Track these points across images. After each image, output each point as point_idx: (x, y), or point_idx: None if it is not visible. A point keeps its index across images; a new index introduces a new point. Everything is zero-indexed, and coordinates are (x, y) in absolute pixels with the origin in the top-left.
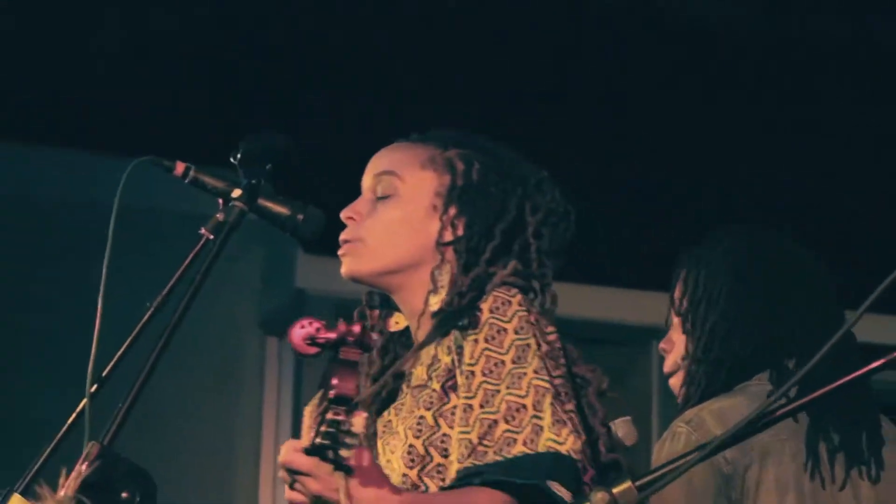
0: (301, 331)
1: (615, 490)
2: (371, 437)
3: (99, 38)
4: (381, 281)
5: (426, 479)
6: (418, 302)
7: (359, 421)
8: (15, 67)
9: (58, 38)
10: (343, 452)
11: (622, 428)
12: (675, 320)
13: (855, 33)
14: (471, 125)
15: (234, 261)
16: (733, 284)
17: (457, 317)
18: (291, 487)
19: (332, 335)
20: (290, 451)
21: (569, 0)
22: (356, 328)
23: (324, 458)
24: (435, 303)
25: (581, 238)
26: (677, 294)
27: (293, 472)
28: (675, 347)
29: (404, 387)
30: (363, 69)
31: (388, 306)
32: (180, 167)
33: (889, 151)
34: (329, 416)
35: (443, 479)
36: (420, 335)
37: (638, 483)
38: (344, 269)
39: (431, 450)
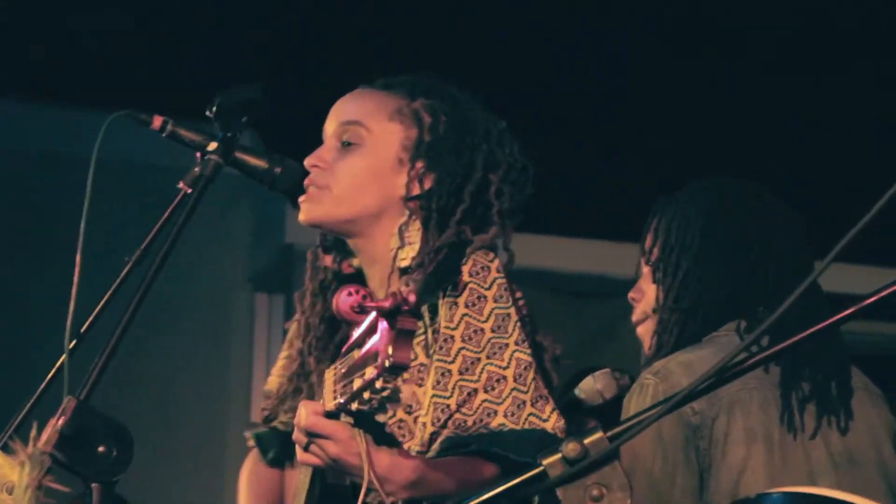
0: (349, 298)
1: (586, 441)
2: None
3: None
4: (341, 228)
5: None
6: (376, 249)
7: (408, 389)
8: None
9: None
10: (380, 418)
11: (601, 380)
12: (646, 269)
13: None
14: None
15: (223, 218)
16: (704, 232)
17: (442, 281)
18: (306, 450)
19: (386, 304)
20: (312, 415)
21: None
22: (411, 297)
23: (354, 423)
24: (404, 258)
25: (570, 192)
26: (648, 243)
27: (312, 435)
28: (644, 297)
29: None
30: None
31: (340, 250)
32: (157, 121)
33: (860, 102)
34: (379, 383)
35: (403, 435)
36: (384, 284)
37: (609, 434)
38: (303, 215)
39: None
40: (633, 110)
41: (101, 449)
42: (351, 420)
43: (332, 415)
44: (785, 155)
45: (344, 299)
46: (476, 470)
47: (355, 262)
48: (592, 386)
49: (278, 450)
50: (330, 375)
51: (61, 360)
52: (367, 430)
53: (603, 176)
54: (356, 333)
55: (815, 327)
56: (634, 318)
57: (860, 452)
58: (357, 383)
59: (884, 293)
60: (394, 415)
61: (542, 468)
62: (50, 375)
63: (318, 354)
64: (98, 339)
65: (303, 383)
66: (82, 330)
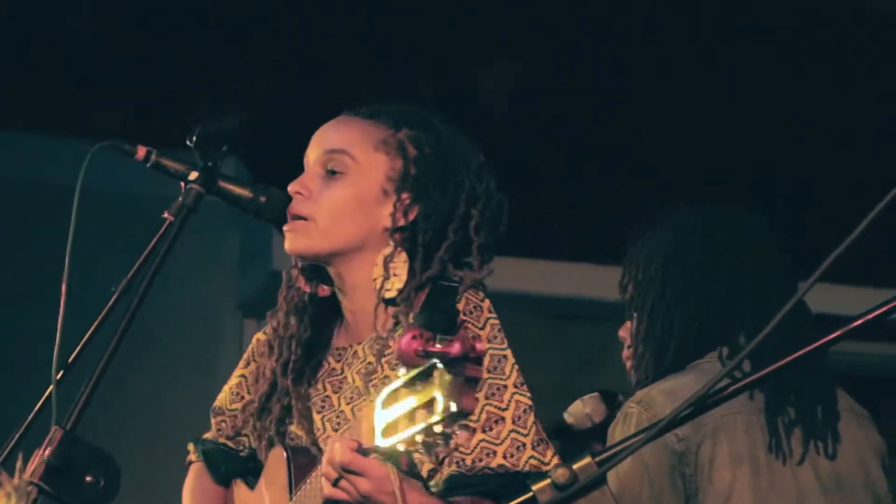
0: (413, 342)
1: (575, 466)
2: (305, 409)
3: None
4: (324, 260)
5: None
6: (357, 279)
7: (464, 436)
8: None
9: (17, 23)
10: (421, 458)
11: (590, 404)
12: None
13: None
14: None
15: (211, 244)
16: (667, 265)
17: (440, 321)
18: (335, 484)
19: (453, 350)
20: (348, 452)
21: None
22: (479, 346)
23: (396, 463)
24: (389, 289)
25: (555, 215)
26: (622, 279)
27: (346, 471)
28: (629, 333)
29: (332, 360)
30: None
31: (317, 275)
32: (141, 151)
33: (844, 119)
34: (438, 427)
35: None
36: (364, 313)
37: (597, 459)
38: (288, 246)
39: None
40: (619, 132)
41: (88, 479)
42: (383, 457)
43: (363, 451)
44: (772, 175)
45: (408, 342)
46: None
47: (328, 287)
48: (581, 410)
49: (229, 467)
50: (370, 411)
51: (49, 390)
52: (399, 469)
53: (588, 199)
54: (402, 372)
55: (797, 353)
56: (624, 355)
57: (848, 475)
58: (404, 424)
59: (871, 316)
60: (440, 460)
61: (531, 494)
62: (38, 406)
63: (295, 377)
64: (85, 368)
65: (274, 404)
66: (69, 360)
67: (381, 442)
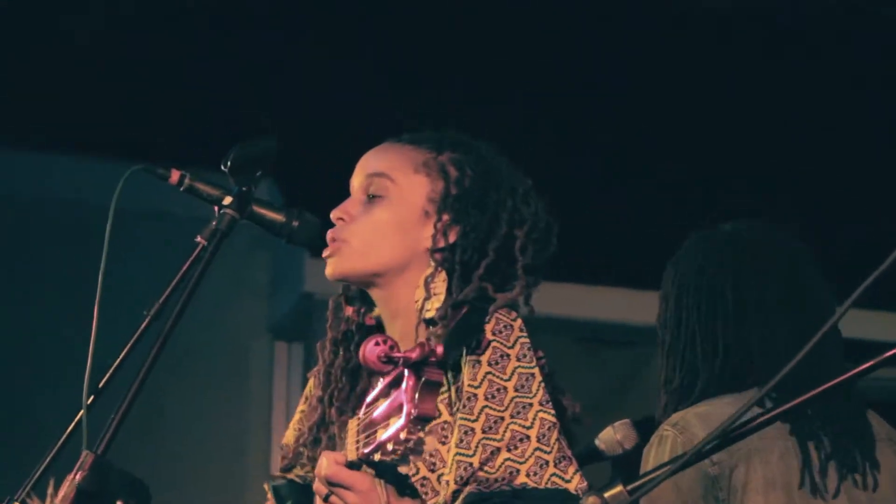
0: (375, 348)
1: (606, 494)
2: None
3: (83, 40)
4: (365, 282)
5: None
6: (400, 302)
7: (431, 440)
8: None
9: (42, 40)
10: (402, 469)
11: (621, 431)
12: None
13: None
14: (462, 121)
15: (243, 267)
16: (678, 306)
17: (464, 339)
18: (325, 500)
19: (414, 354)
20: (333, 464)
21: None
22: (439, 349)
23: (378, 474)
24: (430, 309)
25: (593, 240)
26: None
27: (333, 485)
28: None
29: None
30: (353, 69)
31: (364, 301)
32: (175, 175)
33: (876, 143)
34: (403, 434)
35: (426, 493)
36: (406, 336)
37: (629, 487)
38: (328, 270)
39: (419, 463)
40: (659, 158)
41: (118, 503)
42: (373, 471)
43: (354, 465)
44: (810, 198)
45: (371, 349)
46: None
47: (376, 312)
48: (612, 436)
49: (295, 501)
50: (353, 425)
51: (80, 414)
52: (389, 482)
53: (626, 224)
54: (380, 384)
55: (831, 382)
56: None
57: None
58: (381, 434)
59: None
60: (417, 471)
61: None
62: (69, 430)
63: (340, 405)
64: (117, 392)
65: (322, 434)
66: (100, 384)
67: (363, 454)
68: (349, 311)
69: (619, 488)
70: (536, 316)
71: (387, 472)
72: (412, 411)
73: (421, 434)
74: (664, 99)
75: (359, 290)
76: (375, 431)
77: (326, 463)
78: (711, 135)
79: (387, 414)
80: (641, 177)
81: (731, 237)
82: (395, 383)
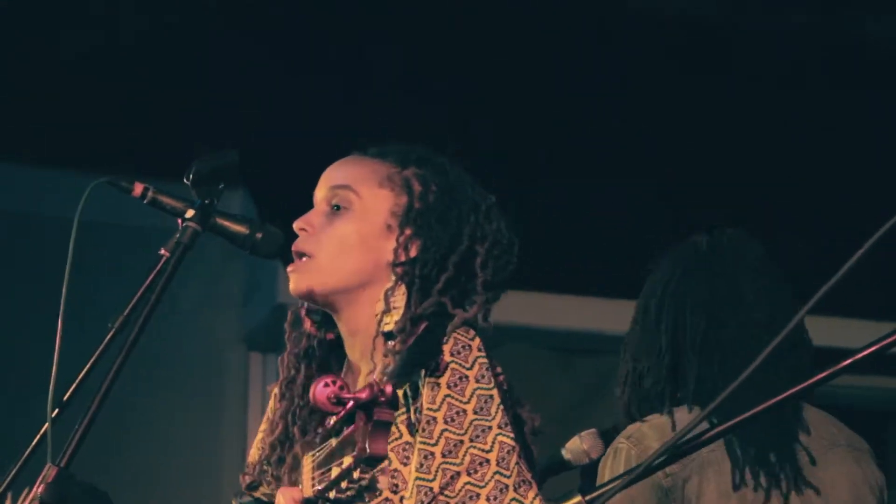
0: (325, 389)
1: None
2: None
3: (54, 51)
4: (328, 298)
5: None
6: (361, 320)
7: (385, 480)
8: None
9: (15, 51)
10: None
11: (587, 440)
12: None
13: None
14: (419, 136)
15: (216, 276)
16: (645, 319)
17: (422, 359)
18: None
19: (363, 395)
20: (290, 502)
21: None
22: (388, 388)
23: None
24: (388, 323)
25: (560, 249)
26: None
27: None
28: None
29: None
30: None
31: (324, 317)
32: (138, 188)
33: (847, 144)
34: (356, 473)
35: None
36: (373, 356)
37: (587, 498)
38: (292, 286)
39: (379, 487)
40: (628, 166)
41: None
42: None
43: (310, 502)
44: (775, 203)
45: (321, 390)
46: None
47: (337, 329)
48: (579, 446)
49: None
50: (308, 462)
51: (44, 428)
52: None
53: (594, 232)
54: (332, 421)
55: (787, 392)
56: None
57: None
58: (335, 472)
59: (871, 349)
60: (380, 493)
61: None
62: (33, 443)
63: (302, 425)
64: (82, 404)
65: (286, 453)
66: (65, 397)
67: (317, 491)
68: (308, 324)
69: (577, 499)
70: (508, 325)
71: None
72: (363, 451)
73: (372, 472)
74: (639, 108)
75: (321, 311)
76: (330, 469)
77: (283, 500)
78: (685, 145)
79: (339, 451)
80: (615, 187)
81: (698, 252)
82: (347, 420)
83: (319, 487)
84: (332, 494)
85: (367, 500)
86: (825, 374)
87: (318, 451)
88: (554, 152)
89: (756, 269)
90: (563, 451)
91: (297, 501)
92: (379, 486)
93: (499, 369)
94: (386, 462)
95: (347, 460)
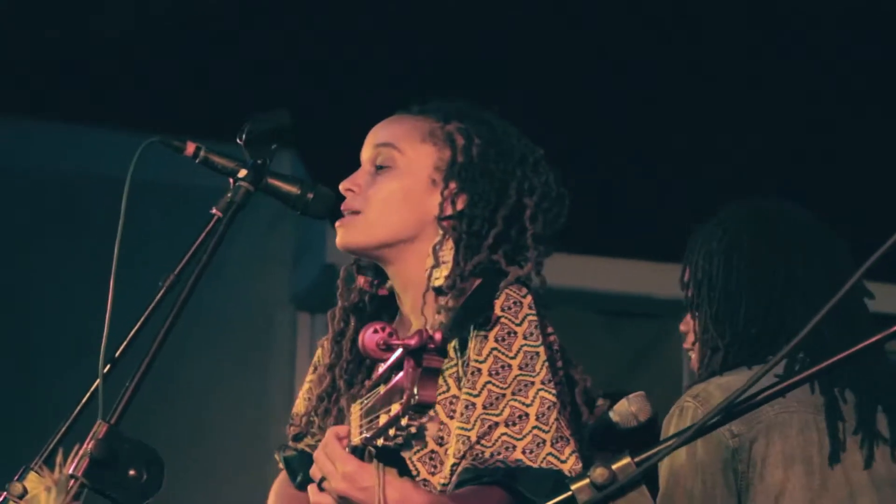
0: (374, 335)
1: (615, 466)
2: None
3: (107, 13)
4: (377, 253)
5: (418, 464)
6: (413, 274)
7: (434, 426)
8: (24, 41)
9: (66, 13)
10: (405, 454)
11: (635, 403)
12: None
13: None
14: (474, 95)
15: (266, 237)
16: (728, 267)
17: (474, 315)
18: (320, 486)
19: (412, 342)
20: (332, 438)
21: None
22: (437, 336)
23: (377, 459)
24: (438, 277)
25: (611, 212)
26: (683, 276)
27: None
28: (690, 327)
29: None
30: (365, 43)
31: (376, 273)
32: (191, 147)
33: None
34: (405, 420)
35: (434, 466)
36: (424, 310)
37: (636, 459)
38: (339, 241)
39: (427, 436)
40: (676, 129)
41: (131, 473)
42: (374, 452)
43: (357, 450)
44: (831, 171)
45: (370, 336)
46: (490, 501)
47: (389, 284)
48: (627, 408)
49: (307, 472)
50: (356, 409)
51: (95, 384)
52: (389, 465)
53: (644, 195)
54: (382, 369)
55: (849, 350)
56: (685, 345)
57: None
58: (383, 419)
59: None
60: (426, 445)
61: (570, 493)
62: (84, 400)
63: (349, 377)
64: (133, 362)
65: (332, 405)
66: (116, 354)
67: (364, 439)
68: (361, 281)
69: (626, 460)
70: (557, 288)
71: (389, 455)
72: (412, 399)
73: (422, 420)
74: (691, 72)
75: (371, 262)
76: (378, 416)
77: (328, 435)
78: (734, 110)
79: (388, 399)
80: (665, 149)
81: (780, 211)
82: (396, 367)
83: (367, 435)
84: (379, 442)
85: (414, 448)
86: (884, 334)
87: (367, 399)
88: (606, 113)
89: (831, 242)
90: (611, 414)
91: (339, 436)
92: (427, 434)
93: (550, 329)
94: (443, 397)
95: (395, 407)
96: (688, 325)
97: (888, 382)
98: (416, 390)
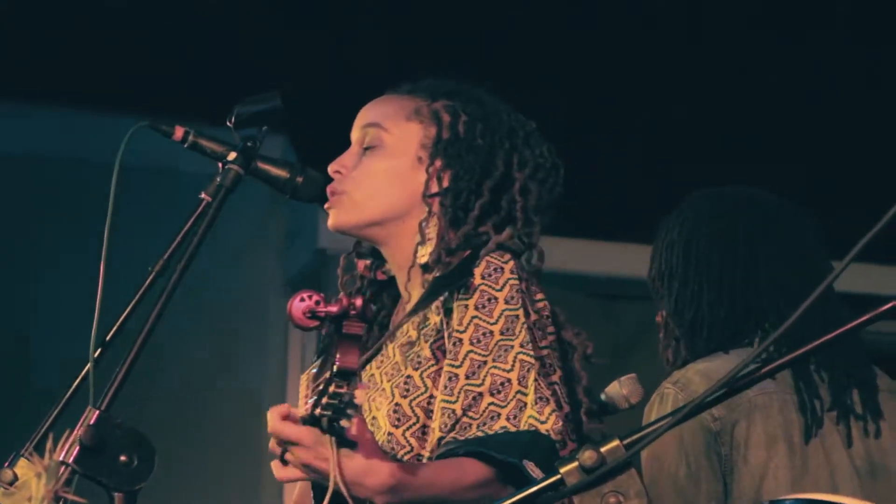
0: (301, 304)
1: (603, 449)
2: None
3: None
4: (367, 233)
5: (411, 439)
6: (405, 253)
7: (361, 394)
8: (14, 23)
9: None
10: (343, 423)
11: (627, 385)
12: None
13: None
14: (464, 72)
15: (257, 221)
16: (687, 254)
17: (450, 282)
18: (282, 459)
19: (334, 308)
20: (277, 420)
21: None
22: (358, 301)
23: (322, 429)
24: (423, 255)
25: (603, 195)
26: (651, 272)
27: (283, 442)
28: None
29: (388, 340)
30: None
31: (376, 257)
32: (179, 132)
33: (878, 95)
34: (332, 388)
35: (398, 418)
36: (409, 287)
37: (625, 441)
38: (330, 222)
39: (418, 410)
40: (666, 113)
41: (122, 458)
42: (325, 424)
43: (307, 420)
44: (808, 154)
45: (297, 305)
46: (464, 471)
47: (388, 267)
48: (619, 391)
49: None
50: (304, 380)
51: (85, 369)
52: (332, 434)
53: (636, 179)
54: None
55: (831, 335)
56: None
57: (883, 457)
58: (316, 389)
59: None
60: (393, 397)
61: (559, 476)
62: (74, 386)
63: None
64: (123, 348)
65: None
66: (107, 339)
67: (308, 407)
68: (361, 266)
69: (615, 443)
70: (551, 271)
71: (334, 428)
72: (333, 366)
73: (346, 387)
74: (679, 58)
75: (370, 247)
76: (319, 385)
77: (271, 418)
78: (732, 92)
79: (322, 368)
80: (655, 134)
81: (741, 195)
82: (331, 338)
83: (310, 404)
84: (318, 411)
85: (352, 416)
86: (868, 316)
87: (312, 369)
88: (593, 96)
89: (800, 225)
90: (603, 396)
91: (284, 419)
92: (355, 401)
93: (540, 295)
94: (431, 370)
95: (325, 375)
96: (661, 315)
97: (860, 359)
98: (336, 357)
